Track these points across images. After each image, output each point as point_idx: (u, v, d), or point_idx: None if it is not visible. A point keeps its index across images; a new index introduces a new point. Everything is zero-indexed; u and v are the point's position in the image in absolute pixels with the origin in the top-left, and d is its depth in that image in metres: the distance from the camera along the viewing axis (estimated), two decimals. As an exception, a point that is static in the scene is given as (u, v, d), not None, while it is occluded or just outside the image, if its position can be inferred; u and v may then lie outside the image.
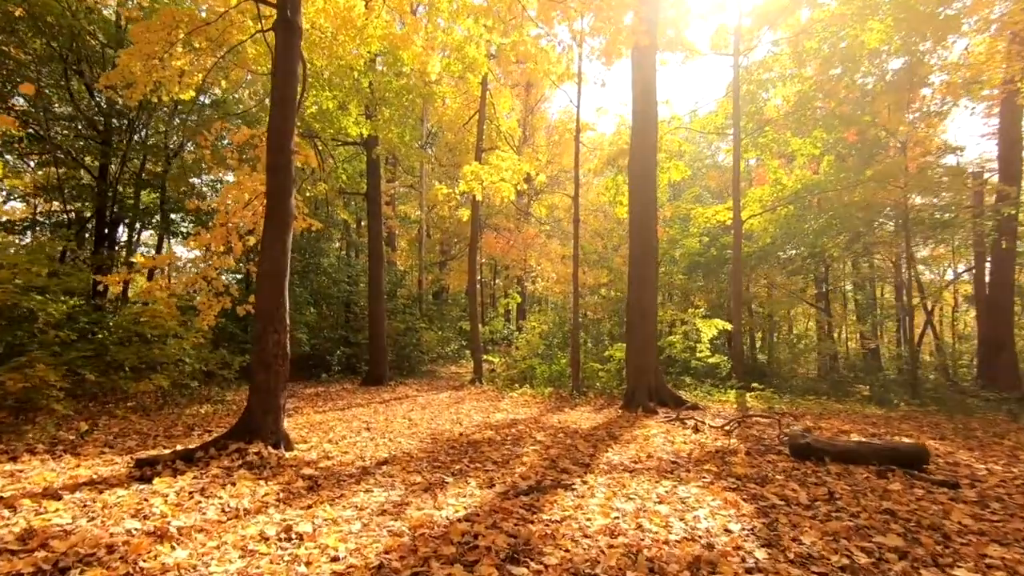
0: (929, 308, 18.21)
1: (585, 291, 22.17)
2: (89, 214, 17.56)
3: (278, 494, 4.18)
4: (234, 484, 4.27)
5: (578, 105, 12.11)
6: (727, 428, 6.93)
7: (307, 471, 4.83)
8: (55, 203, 17.54)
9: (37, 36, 13.36)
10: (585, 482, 4.60)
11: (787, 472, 4.89)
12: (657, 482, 4.60)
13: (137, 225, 16.32)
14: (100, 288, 11.34)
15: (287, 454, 5.44)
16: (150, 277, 14.57)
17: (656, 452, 5.73)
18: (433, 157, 20.22)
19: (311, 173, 13.88)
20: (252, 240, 9.06)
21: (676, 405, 9.53)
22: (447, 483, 4.60)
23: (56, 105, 15.37)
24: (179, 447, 5.64)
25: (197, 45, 9.05)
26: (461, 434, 7.00)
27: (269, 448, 5.31)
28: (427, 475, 4.87)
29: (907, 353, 16.19)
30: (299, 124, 12.47)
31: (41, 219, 17.39)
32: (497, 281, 30.39)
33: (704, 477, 4.73)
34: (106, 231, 16.17)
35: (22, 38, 13.14)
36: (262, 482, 4.46)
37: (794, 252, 18.62)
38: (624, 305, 18.25)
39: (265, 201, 5.86)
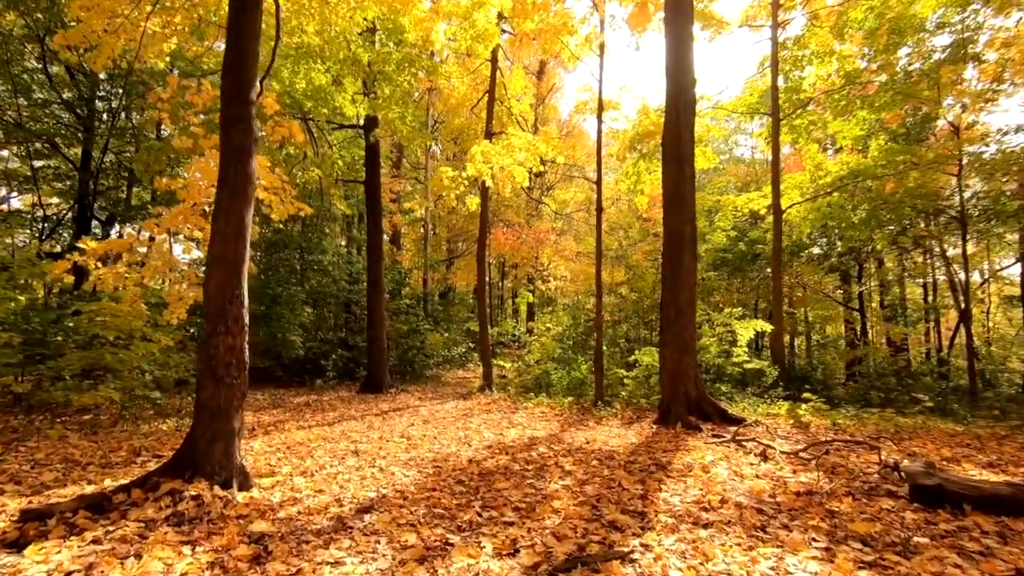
0: (966, 308, 16.72)
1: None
2: (66, 207, 16.45)
3: (204, 572, 2.85)
4: (139, 557, 2.94)
5: (600, 79, 10.77)
6: (805, 456, 5.53)
7: (258, 526, 3.49)
8: (42, 196, 16.46)
9: (10, 8, 12.17)
10: (647, 547, 3.24)
11: (927, 531, 3.50)
12: (751, 547, 3.22)
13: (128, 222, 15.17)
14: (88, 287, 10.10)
15: (240, 496, 4.10)
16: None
17: (728, 493, 4.34)
18: (438, 143, 18.95)
19: (303, 158, 12.61)
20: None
21: (721, 420, 8.14)
22: (451, 546, 3.26)
23: (34, 90, 14.23)
24: (92, 488, 4.33)
25: (168, 3, 7.81)
26: (470, 460, 5.64)
27: (215, 488, 3.98)
28: (425, 531, 3.52)
29: (942, 358, 14.77)
30: (288, 102, 11.21)
31: (19, 212, 16.27)
32: (505, 282, 29.05)
33: (814, 540, 3.34)
34: (91, 226, 15.01)
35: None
36: (188, 548, 3.12)
37: (828, 246, 17.24)
38: (645, 305, 16.86)
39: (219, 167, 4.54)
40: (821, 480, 4.69)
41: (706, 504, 4.07)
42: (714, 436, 7.07)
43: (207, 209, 7.21)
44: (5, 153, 15.94)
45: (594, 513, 3.88)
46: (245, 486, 4.31)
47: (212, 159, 7.03)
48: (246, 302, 4.46)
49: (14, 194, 17.29)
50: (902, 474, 4.76)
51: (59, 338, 8.39)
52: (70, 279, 12.16)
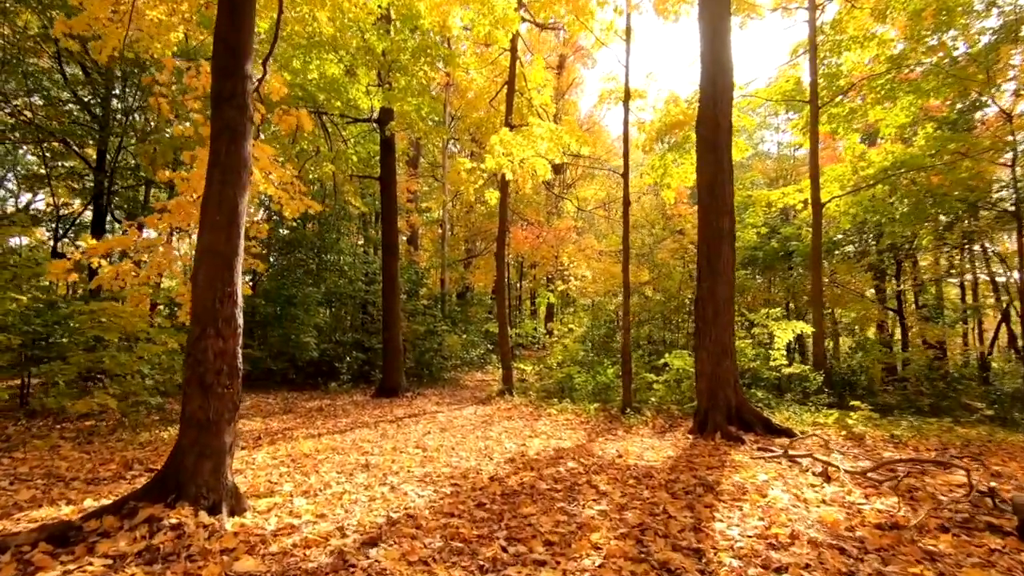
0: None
1: (622, 290, 20.06)
2: (82, 207, 16.32)
3: (169, 631, 2.32)
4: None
5: (627, 64, 10.12)
6: (875, 477, 4.84)
7: (244, 565, 2.96)
8: (60, 197, 16.37)
9: (22, 4, 11.99)
10: (713, 601, 2.62)
11: (1061, 582, 2.82)
12: (844, 605, 2.59)
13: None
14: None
15: (229, 523, 3.58)
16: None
17: (795, 524, 3.69)
18: (456, 142, 18.45)
19: (316, 153, 12.20)
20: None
21: (764, 430, 7.44)
22: (473, 595, 2.68)
23: (49, 88, 14.09)
24: (70, 510, 3.85)
25: (172, -11, 7.41)
26: (492, 478, 5.06)
27: (201, 515, 3.46)
28: (440, 571, 2.95)
29: (986, 361, 13.79)
30: (301, 95, 10.78)
31: (34, 212, 16.18)
32: (523, 283, 28.45)
33: (923, 594, 2.70)
34: (109, 225, 14.81)
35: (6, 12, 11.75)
36: (157, 595, 2.60)
37: (865, 243, 16.31)
38: (672, 306, 16.13)
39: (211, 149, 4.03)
40: (902, 509, 4.00)
41: (773, 540, 3.42)
42: (760, 449, 6.40)
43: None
44: (21, 151, 15.89)
45: (640, 551, 3.27)
46: (237, 510, 3.79)
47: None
48: (240, 300, 3.94)
49: (34, 195, 17.27)
50: (996, 501, 4.07)
51: (64, 340, 8.05)
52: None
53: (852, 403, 8.67)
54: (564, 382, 11.82)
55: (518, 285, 28.55)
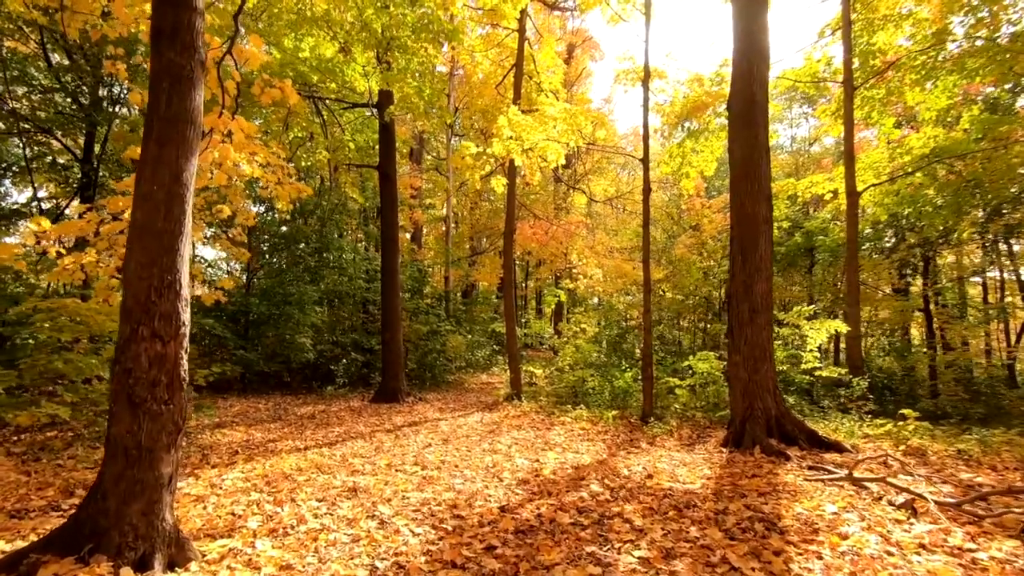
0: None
1: (634, 289, 19.21)
2: (66, 201, 15.57)
3: None
4: None
5: (647, 39, 9.24)
6: (972, 510, 3.95)
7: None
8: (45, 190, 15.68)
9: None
10: None
11: None
12: None
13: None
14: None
15: (163, 583, 2.74)
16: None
17: (901, 583, 2.82)
18: (458, 132, 17.62)
19: (310, 139, 11.39)
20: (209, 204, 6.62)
21: (810, 443, 6.56)
22: None
23: (32, 75, 13.35)
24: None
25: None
26: (504, 508, 4.20)
27: (124, 572, 2.63)
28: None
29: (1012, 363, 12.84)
30: (292, 75, 9.98)
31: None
32: (529, 282, 27.58)
33: None
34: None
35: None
36: None
37: (897, 237, 15.37)
38: (690, 304, 15.23)
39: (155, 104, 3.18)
40: (1020, 558, 3.12)
41: (882, 610, 2.55)
42: (811, 469, 5.52)
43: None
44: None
45: (709, 629, 2.41)
46: (179, 561, 2.95)
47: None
48: (186, 293, 3.11)
49: (28, 189, 16.54)
50: None
51: (31, 341, 7.27)
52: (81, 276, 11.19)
53: (902, 411, 7.75)
54: (577, 386, 10.96)
55: (524, 285, 27.69)
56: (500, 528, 3.72)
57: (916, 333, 18.82)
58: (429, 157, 25.78)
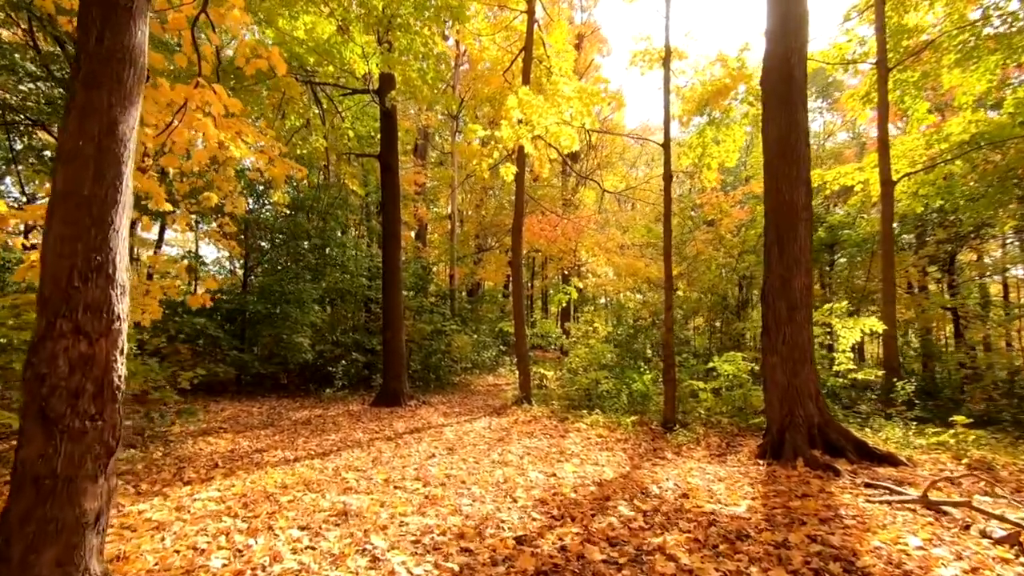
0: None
1: (646, 287, 18.49)
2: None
3: None
4: None
5: (667, 15, 8.55)
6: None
7: None
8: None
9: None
10: None
11: None
12: None
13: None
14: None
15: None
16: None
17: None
18: (460, 128, 16.97)
19: (306, 124, 10.75)
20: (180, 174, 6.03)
21: (859, 455, 5.86)
22: None
23: (19, 60, 12.79)
24: None
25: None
26: (520, 539, 3.52)
27: (23, 647, 1.97)
28: None
29: None
30: (286, 56, 9.34)
31: None
32: (535, 282, 26.88)
33: None
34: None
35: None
36: None
37: (924, 230, 14.61)
38: (708, 302, 14.49)
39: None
40: None
41: None
42: (868, 486, 4.82)
43: (149, 161, 5.34)
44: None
45: None
46: (108, 622, 2.30)
47: (163, 93, 5.08)
48: (122, 279, 2.46)
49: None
50: None
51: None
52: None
53: (953, 418, 7.01)
54: (589, 388, 10.28)
55: (529, 285, 27.02)
56: (518, 568, 3.05)
57: (938, 334, 18.09)
58: (434, 154, 25.15)
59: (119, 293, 2.44)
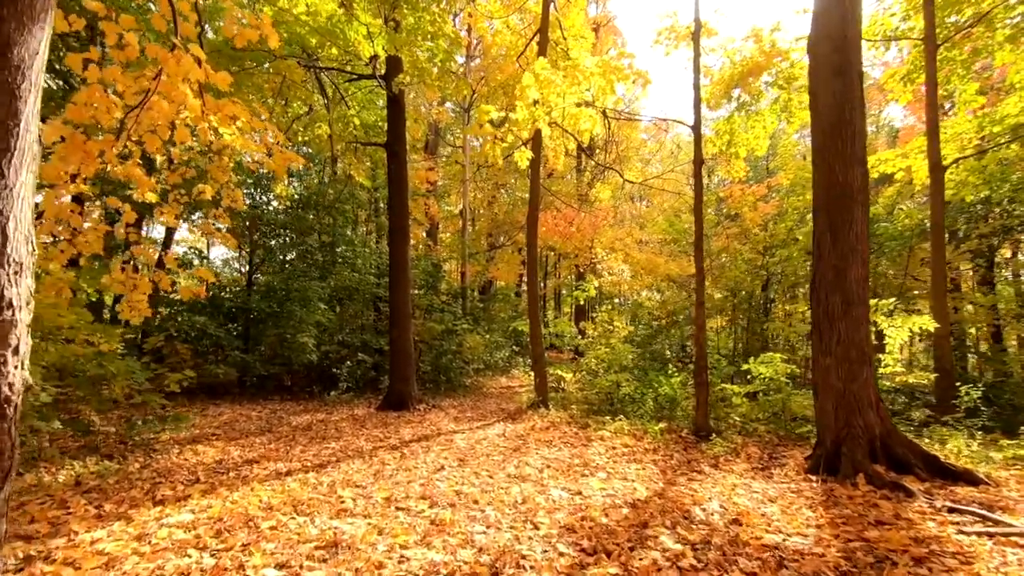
0: None
1: (665, 285, 17.71)
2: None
3: None
4: None
5: (698, -15, 7.83)
6: None
7: None
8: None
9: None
10: None
11: None
12: None
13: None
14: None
15: None
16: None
17: None
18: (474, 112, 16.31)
19: (308, 111, 10.18)
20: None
21: (929, 471, 5.10)
22: None
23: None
24: None
25: None
26: (545, 585, 2.86)
27: None
28: None
29: None
30: (286, 36, 8.80)
31: None
32: (547, 281, 26.16)
33: None
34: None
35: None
36: None
37: (969, 222, 13.67)
38: (736, 301, 13.69)
39: None
40: None
41: None
42: (952, 511, 4.07)
43: (132, 146, 4.73)
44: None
45: None
46: None
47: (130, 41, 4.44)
48: (19, 252, 1.82)
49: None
50: None
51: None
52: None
53: (1027, 428, 6.22)
54: (611, 391, 9.58)
55: (543, 284, 26.34)
56: (546, 630, 2.38)
57: (973, 332, 17.08)
58: (446, 151, 24.57)
59: (12, 272, 1.81)
